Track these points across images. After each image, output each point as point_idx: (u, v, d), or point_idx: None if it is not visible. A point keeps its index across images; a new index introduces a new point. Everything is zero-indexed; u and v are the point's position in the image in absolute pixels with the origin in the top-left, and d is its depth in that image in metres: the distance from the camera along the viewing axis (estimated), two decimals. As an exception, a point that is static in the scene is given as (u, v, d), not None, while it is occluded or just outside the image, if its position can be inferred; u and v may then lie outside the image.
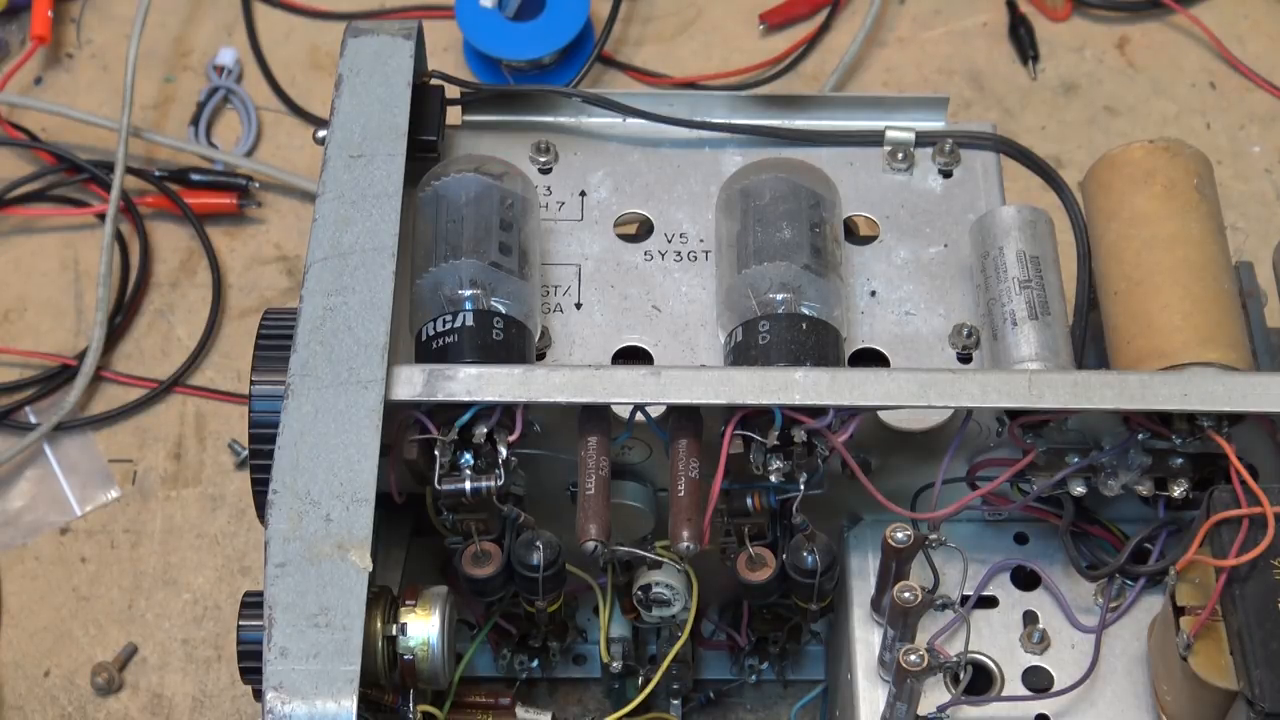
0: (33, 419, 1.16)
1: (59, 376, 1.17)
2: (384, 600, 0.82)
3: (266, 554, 0.78)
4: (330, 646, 0.76)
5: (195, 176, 1.24)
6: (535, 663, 1.01)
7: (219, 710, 1.04)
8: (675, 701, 1.01)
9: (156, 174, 1.25)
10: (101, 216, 1.22)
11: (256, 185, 1.25)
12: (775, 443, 0.84)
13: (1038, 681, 0.88)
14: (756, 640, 0.99)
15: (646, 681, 0.97)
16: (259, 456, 0.86)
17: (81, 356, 1.16)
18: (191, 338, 1.19)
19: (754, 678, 1.03)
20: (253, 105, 1.30)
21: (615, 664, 0.97)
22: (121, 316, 1.20)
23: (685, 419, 0.85)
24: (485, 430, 0.84)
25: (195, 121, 1.28)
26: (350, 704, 0.75)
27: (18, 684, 1.06)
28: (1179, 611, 0.82)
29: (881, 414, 0.87)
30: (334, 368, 0.83)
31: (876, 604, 0.89)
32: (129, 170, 1.22)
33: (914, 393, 0.84)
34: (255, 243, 1.24)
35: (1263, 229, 1.21)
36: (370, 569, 0.78)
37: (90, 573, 1.10)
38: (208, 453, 1.15)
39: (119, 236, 1.22)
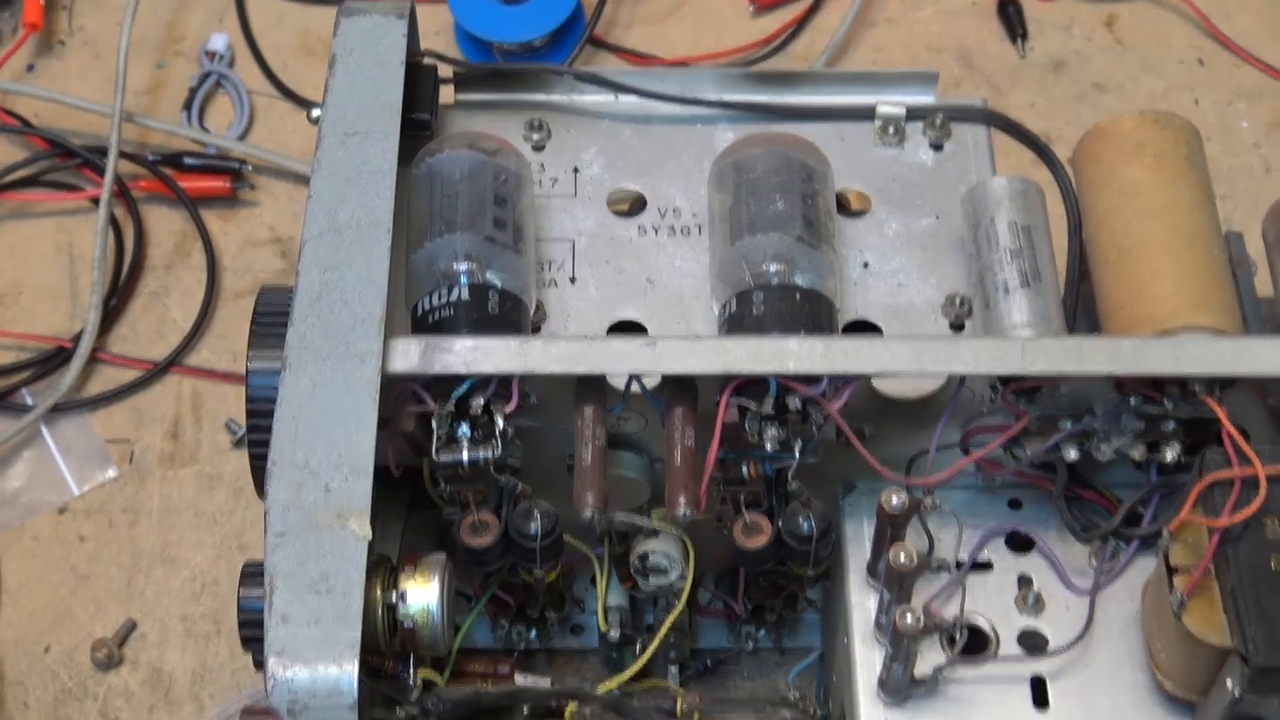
0: (29, 401, 1.17)
1: (55, 359, 1.18)
2: (383, 569, 0.82)
3: (266, 523, 0.79)
4: (331, 612, 0.76)
5: (188, 160, 1.25)
6: (533, 633, 1.02)
7: (219, 684, 1.05)
8: (673, 669, 1.02)
9: (150, 158, 1.25)
10: (95, 201, 1.23)
11: (250, 168, 1.25)
12: (770, 411, 0.85)
13: (1033, 643, 0.89)
14: (753, 608, 1.00)
15: (644, 650, 0.98)
16: (256, 431, 0.87)
17: (77, 339, 1.17)
18: (186, 319, 1.20)
19: (751, 645, 1.03)
20: (245, 90, 1.30)
21: (613, 633, 0.97)
22: (116, 299, 1.21)
23: (680, 389, 0.86)
24: (482, 402, 0.85)
25: (188, 107, 1.29)
26: (352, 669, 0.75)
27: (18, 660, 1.07)
28: (1172, 571, 0.83)
29: (875, 382, 0.88)
30: (331, 341, 0.83)
31: (872, 569, 0.90)
32: (122, 155, 1.23)
33: (908, 360, 0.84)
34: (249, 225, 1.25)
35: (1251, 201, 1.22)
36: (370, 537, 0.78)
37: (89, 551, 1.11)
38: (204, 432, 1.15)
39: (113, 220, 1.23)
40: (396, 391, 0.85)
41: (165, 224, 1.24)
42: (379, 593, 0.81)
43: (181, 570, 1.10)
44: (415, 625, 0.82)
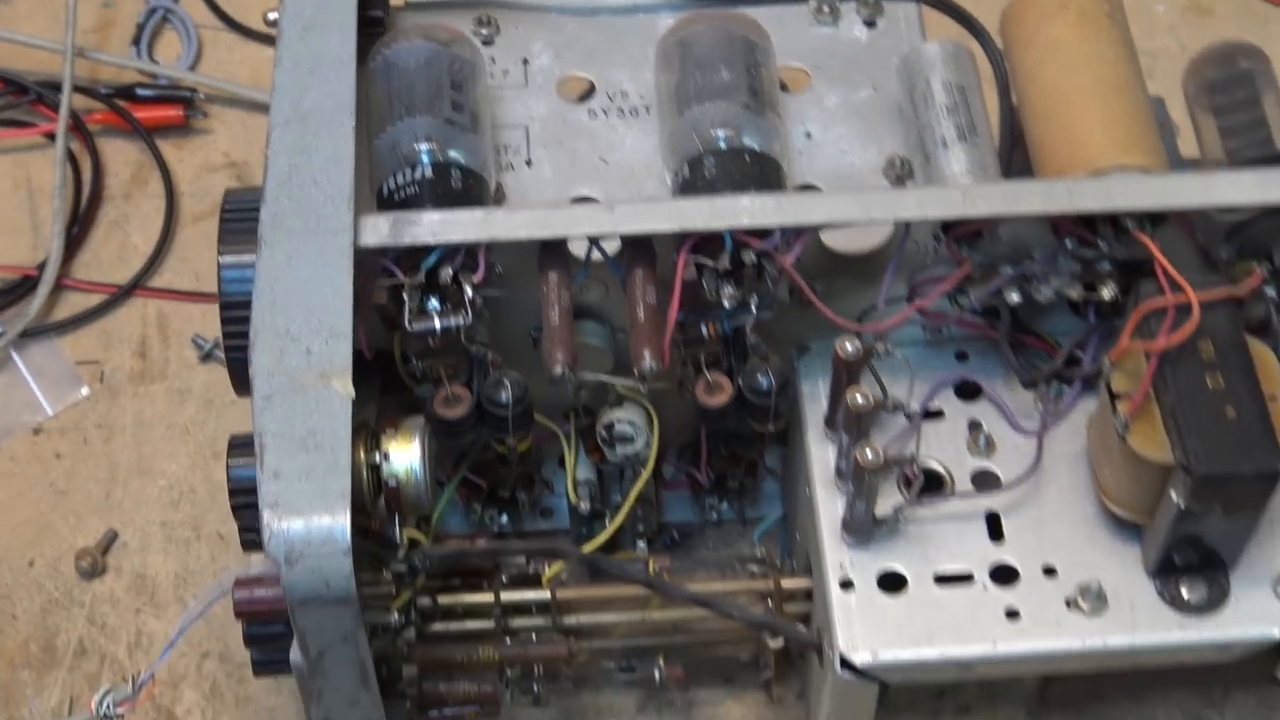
0: (-1, 328, 1.20)
1: (21, 287, 1.21)
2: (365, 432, 0.85)
3: (253, 388, 0.82)
4: (321, 466, 0.80)
5: (141, 91, 1.28)
6: (505, 517, 1.05)
7: (201, 584, 1.08)
8: (641, 543, 1.05)
9: (103, 91, 1.28)
10: (51, 136, 1.25)
11: (201, 97, 1.29)
12: (727, 267, 0.89)
13: (985, 482, 0.93)
14: (716, 478, 1.04)
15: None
16: (231, 323, 0.90)
17: (42, 267, 1.20)
18: (148, 244, 1.23)
19: (715, 517, 1.07)
20: (192, 23, 1.33)
21: (583, 505, 1.01)
22: (78, 227, 1.23)
23: (639, 251, 0.90)
24: (450, 272, 0.88)
25: (136, 42, 1.32)
26: (344, 519, 0.79)
27: (3, 575, 1.09)
28: (1115, 397, 0.87)
29: (824, 238, 0.92)
30: (304, 218, 0.87)
31: (830, 420, 0.94)
32: (76, 89, 1.26)
33: (855, 210, 0.89)
34: (204, 152, 1.28)
35: (1169, 84, 1.26)
36: (352, 395, 0.82)
37: (66, 468, 1.14)
38: (172, 349, 1.18)
39: (70, 155, 1.25)
40: (367, 269, 0.88)
41: (121, 155, 1.27)
42: (362, 455, 0.84)
43: (158, 480, 1.13)
44: (399, 483, 0.85)
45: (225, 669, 1.06)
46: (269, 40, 1.29)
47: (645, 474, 0.98)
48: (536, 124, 1.00)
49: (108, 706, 0.90)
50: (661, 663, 1.00)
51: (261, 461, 0.80)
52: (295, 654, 0.84)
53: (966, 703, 1.04)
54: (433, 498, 0.87)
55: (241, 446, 0.85)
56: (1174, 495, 0.85)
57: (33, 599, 1.09)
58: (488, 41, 1.03)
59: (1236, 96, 0.96)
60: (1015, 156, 0.99)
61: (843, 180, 0.98)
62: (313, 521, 0.79)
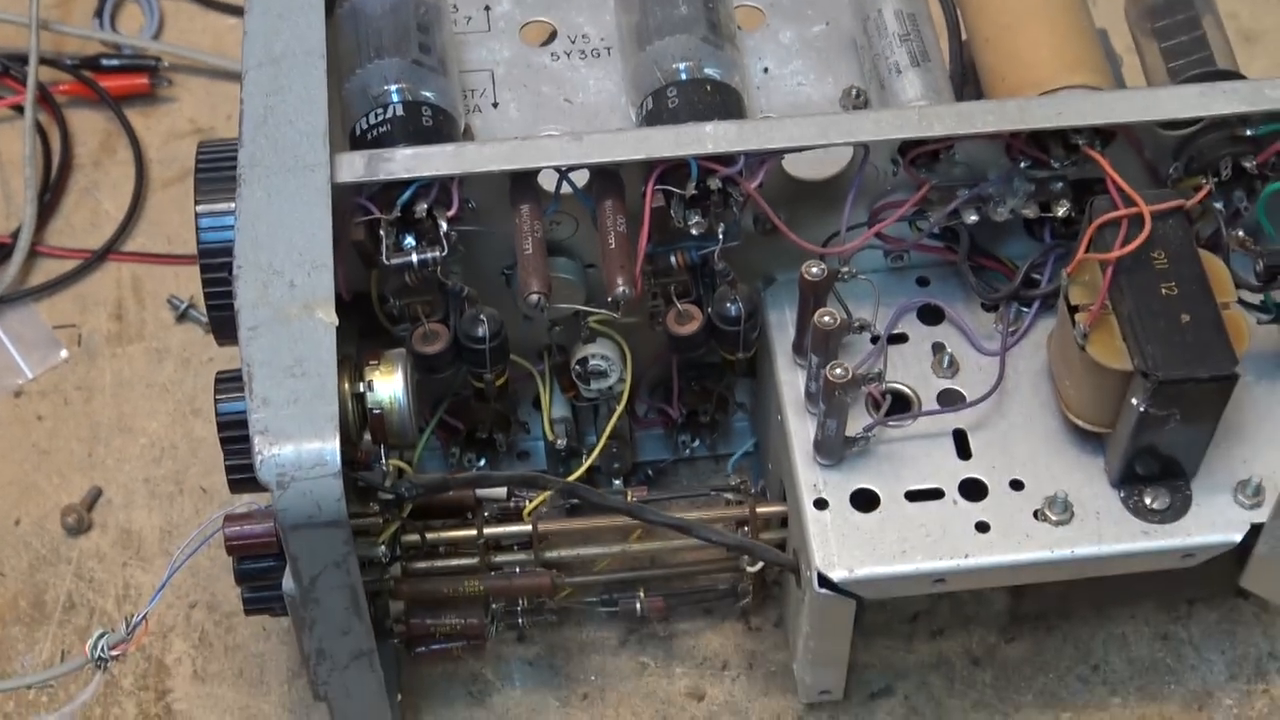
0: (-26, 297, 1.21)
1: (-5, 255, 1.23)
2: (348, 364, 0.88)
3: (239, 322, 0.84)
4: (308, 392, 0.82)
5: (106, 62, 1.30)
6: (483, 460, 1.07)
7: (186, 537, 1.09)
8: (616, 482, 1.08)
9: (69, 62, 1.30)
10: (19, 108, 1.27)
11: (165, 65, 1.30)
12: (693, 193, 0.91)
13: (951, 401, 0.96)
14: (688, 414, 1.06)
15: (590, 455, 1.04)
16: (210, 271, 0.91)
17: (16, 234, 1.21)
18: (119, 210, 1.25)
19: (688, 453, 1.10)
20: (153, -6, 1.36)
21: (560, 441, 1.03)
22: (50, 195, 1.25)
23: (608, 182, 0.92)
24: (425, 208, 0.90)
25: (99, 14, 1.34)
26: (334, 442, 0.81)
27: (-10, 536, 1.11)
28: (1073, 310, 0.90)
29: (786, 166, 0.94)
30: (280, 157, 0.89)
31: (799, 346, 0.97)
32: (42, 61, 1.27)
33: (816, 134, 0.91)
34: (170, 119, 1.30)
35: (1114, 18, 1.29)
36: (336, 323, 0.84)
37: (48, 429, 1.15)
38: (148, 310, 1.20)
39: (39, 125, 1.27)
40: (343, 208, 0.90)
41: (89, 124, 1.29)
42: (346, 385, 0.87)
43: (139, 438, 1.15)
44: (384, 411, 0.87)
45: (214, 618, 1.08)
46: (229, 10, 1.33)
47: (620, 408, 1.00)
48: (501, 68, 1.02)
49: (102, 649, 0.92)
50: (642, 595, 1.02)
51: (250, 390, 0.82)
52: (288, 582, 0.86)
53: (940, 626, 1.07)
54: (416, 430, 0.89)
55: (229, 381, 0.86)
56: (1134, 402, 0.88)
57: (20, 556, 1.10)
58: (450, -10, 1.06)
59: (1177, 19, 0.99)
60: (967, 91, 1.02)
61: (801, 111, 1.00)
62: (302, 446, 0.81)
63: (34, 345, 1.19)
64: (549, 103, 1.01)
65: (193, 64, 1.31)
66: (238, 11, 0.95)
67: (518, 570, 0.99)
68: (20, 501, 1.12)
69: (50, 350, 1.19)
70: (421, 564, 0.98)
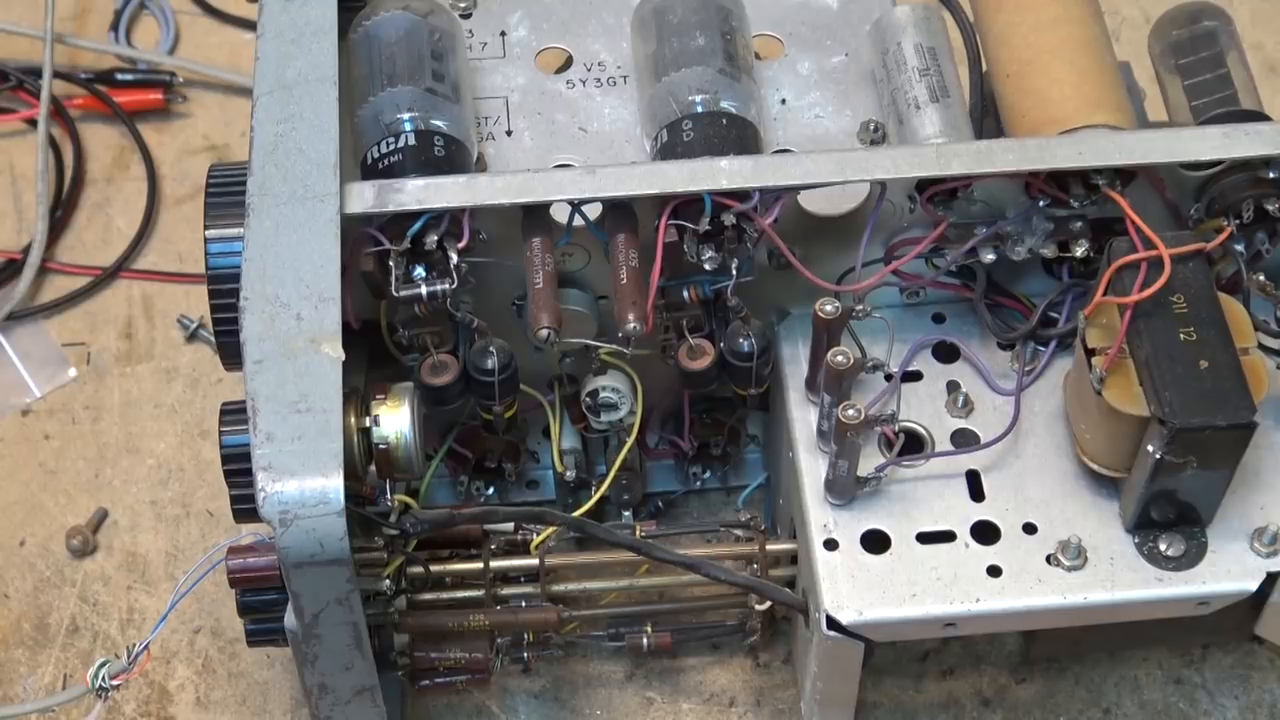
0: (-17, 312, 1.21)
1: (6, 271, 1.21)
2: (355, 399, 0.87)
3: (244, 354, 0.83)
4: (313, 428, 0.81)
5: (121, 76, 1.29)
6: (491, 489, 1.06)
7: (191, 561, 1.09)
8: (626, 513, 1.07)
9: (83, 76, 1.29)
10: (32, 122, 1.26)
11: (180, 80, 1.30)
12: (707, 228, 0.90)
13: (965, 441, 0.95)
14: (699, 446, 1.05)
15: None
16: (218, 297, 0.91)
17: (27, 250, 1.21)
18: (131, 227, 1.24)
19: (698, 485, 1.09)
20: (169, 8, 1.34)
21: (569, 473, 1.02)
22: (61, 211, 1.24)
23: (621, 215, 0.91)
24: (435, 239, 0.89)
25: (115, 28, 1.33)
26: (337, 479, 0.80)
27: (-5, 556, 1.11)
28: (1090, 353, 0.89)
29: (802, 202, 0.93)
30: (290, 186, 0.88)
31: (811, 383, 0.96)
32: (56, 75, 1.26)
33: (831, 170, 0.90)
34: (184, 135, 1.29)
35: (1135, 51, 1.28)
36: (343, 358, 0.83)
37: (55, 448, 1.15)
38: (157, 329, 1.19)
39: (51, 140, 1.26)
40: (353, 237, 0.89)
41: (102, 139, 1.28)
42: (352, 420, 0.86)
43: (147, 459, 1.14)
44: (390, 446, 0.86)
45: (217, 644, 1.07)
46: (245, 25, 1.32)
47: (630, 440, 0.99)
48: (516, 95, 1.01)
49: (103, 679, 0.91)
50: (649, 629, 1.01)
51: (254, 425, 0.81)
52: (290, 618, 0.85)
53: (951, 665, 1.06)
54: (422, 463, 0.88)
55: (234, 413, 0.85)
56: (1150, 448, 0.86)
57: (25, 578, 1.09)
58: (466, 14, 1.05)
59: (1201, 55, 0.98)
60: (986, 123, 1.01)
61: (818, 145, 0.99)
62: (306, 483, 0.80)
63: (43, 363, 1.18)
64: (563, 131, 1.00)
65: (208, 79, 1.31)
66: (254, 27, 0.94)
67: (524, 604, 0.97)
68: (26, 522, 1.12)
69: (59, 368, 1.18)
70: (427, 596, 0.97)
